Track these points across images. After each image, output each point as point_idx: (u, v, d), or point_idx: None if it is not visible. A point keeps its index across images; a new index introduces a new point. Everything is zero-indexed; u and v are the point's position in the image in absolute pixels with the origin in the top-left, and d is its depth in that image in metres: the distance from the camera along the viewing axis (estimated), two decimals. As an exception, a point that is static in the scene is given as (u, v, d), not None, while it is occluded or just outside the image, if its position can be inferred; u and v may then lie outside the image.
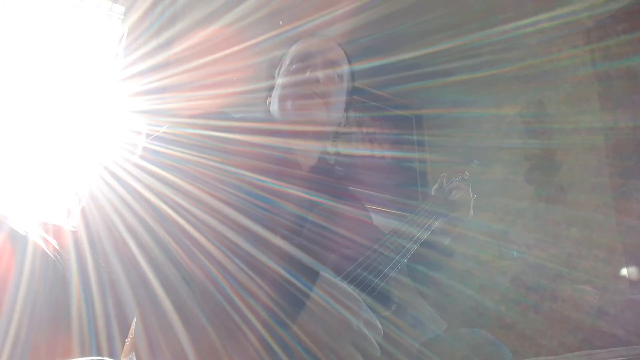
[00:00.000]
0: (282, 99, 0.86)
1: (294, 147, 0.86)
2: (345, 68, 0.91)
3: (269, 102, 0.93)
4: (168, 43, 1.72)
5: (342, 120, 0.93)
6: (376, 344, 0.57)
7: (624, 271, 1.79)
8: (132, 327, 0.64)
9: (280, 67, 0.92)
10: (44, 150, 1.40)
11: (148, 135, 0.73)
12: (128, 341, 0.64)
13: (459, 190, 1.02)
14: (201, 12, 1.78)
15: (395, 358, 0.62)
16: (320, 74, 0.85)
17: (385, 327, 0.61)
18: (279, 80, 0.89)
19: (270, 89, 0.93)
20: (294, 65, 0.88)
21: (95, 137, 1.46)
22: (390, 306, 0.71)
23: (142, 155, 0.70)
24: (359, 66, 0.99)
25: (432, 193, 1.07)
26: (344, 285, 0.60)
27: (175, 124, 0.75)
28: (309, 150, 0.89)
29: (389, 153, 2.63)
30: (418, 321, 0.72)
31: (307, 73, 0.86)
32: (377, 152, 2.57)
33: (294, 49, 0.92)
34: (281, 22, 1.72)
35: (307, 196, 0.77)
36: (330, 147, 0.96)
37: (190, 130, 0.73)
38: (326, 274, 0.60)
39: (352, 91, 0.97)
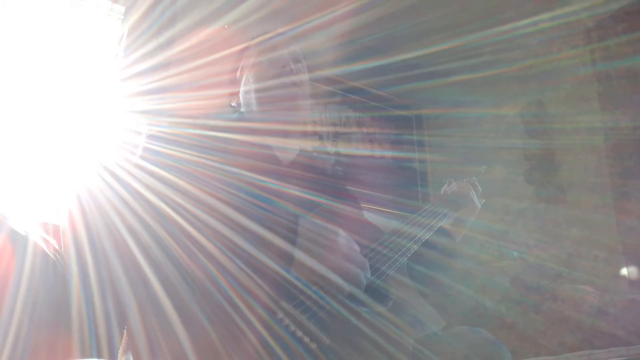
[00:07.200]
0: (268, 100, 0.90)
1: (276, 144, 0.90)
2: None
3: (240, 102, 0.96)
4: (168, 43, 1.72)
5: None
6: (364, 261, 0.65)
7: (624, 271, 1.79)
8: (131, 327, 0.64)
9: (258, 70, 0.94)
10: (44, 150, 1.40)
11: (148, 135, 0.74)
12: (123, 342, 0.64)
13: (459, 188, 1.04)
14: (201, 12, 1.78)
15: (392, 355, 0.62)
16: (303, 77, 0.92)
17: (382, 324, 0.62)
18: (263, 84, 0.92)
19: (236, 91, 0.97)
20: (277, 70, 0.91)
21: (95, 137, 1.46)
22: (387, 303, 0.71)
23: (142, 155, 0.70)
24: (359, 66, 1.02)
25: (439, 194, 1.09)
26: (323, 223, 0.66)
27: (173, 123, 0.76)
28: (289, 147, 0.93)
29: (389, 153, 2.63)
30: (416, 319, 0.73)
31: (292, 77, 0.91)
32: (377, 152, 2.57)
33: (275, 55, 0.95)
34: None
35: (293, 192, 0.80)
36: (330, 147, 0.98)
37: (185, 130, 0.75)
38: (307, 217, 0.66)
39: (353, 91, 1.01)
